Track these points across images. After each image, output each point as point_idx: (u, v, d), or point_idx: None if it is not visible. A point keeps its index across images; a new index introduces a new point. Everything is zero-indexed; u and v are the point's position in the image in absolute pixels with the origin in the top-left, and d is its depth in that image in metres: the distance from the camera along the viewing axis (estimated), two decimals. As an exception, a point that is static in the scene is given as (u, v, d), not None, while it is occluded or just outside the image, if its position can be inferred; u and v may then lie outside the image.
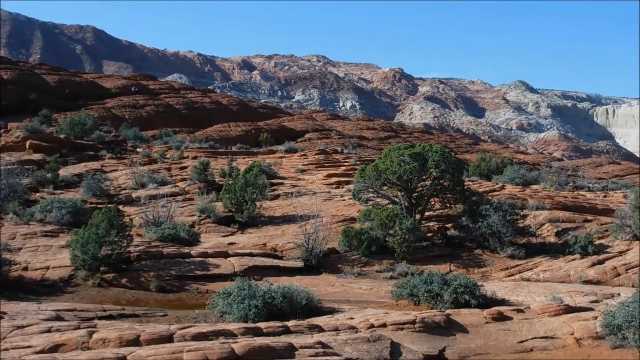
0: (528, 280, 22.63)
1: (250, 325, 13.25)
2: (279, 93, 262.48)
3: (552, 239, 27.80)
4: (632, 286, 20.64)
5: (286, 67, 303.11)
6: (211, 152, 52.46)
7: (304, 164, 47.89)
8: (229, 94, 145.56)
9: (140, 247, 21.79)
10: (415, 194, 28.00)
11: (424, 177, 27.69)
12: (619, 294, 18.68)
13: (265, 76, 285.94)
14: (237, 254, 22.32)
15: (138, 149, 53.11)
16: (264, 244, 25.44)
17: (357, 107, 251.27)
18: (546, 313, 14.83)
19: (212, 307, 15.14)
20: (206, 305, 15.45)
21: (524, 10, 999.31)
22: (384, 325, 13.53)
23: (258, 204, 30.50)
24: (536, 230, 28.40)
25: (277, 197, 34.48)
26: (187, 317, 14.94)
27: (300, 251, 23.40)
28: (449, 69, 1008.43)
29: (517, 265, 24.54)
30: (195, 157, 47.27)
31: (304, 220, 25.62)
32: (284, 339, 12.21)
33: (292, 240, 25.00)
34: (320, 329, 13.18)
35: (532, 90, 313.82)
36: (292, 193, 34.54)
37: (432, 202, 28.70)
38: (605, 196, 41.49)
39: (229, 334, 12.42)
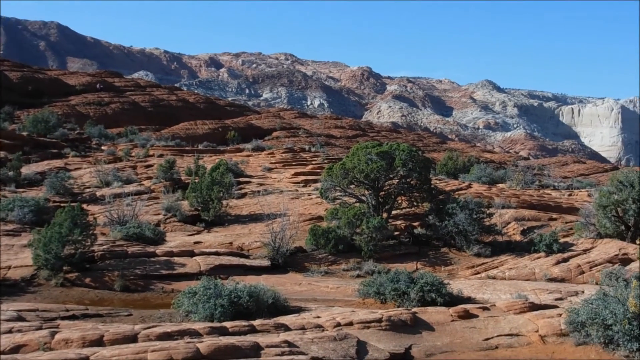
0: (494, 278, 22.82)
1: (216, 324, 13.13)
2: (247, 91, 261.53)
3: (518, 237, 28.08)
4: (596, 284, 20.92)
5: (254, 65, 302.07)
6: (177, 150, 52.11)
7: (271, 163, 47.79)
8: (196, 91, 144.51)
9: (105, 247, 21.50)
10: (383, 192, 28.07)
11: (391, 176, 27.76)
12: (583, 292, 18.89)
13: (232, 74, 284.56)
14: (203, 253, 22.14)
15: (103, 147, 52.56)
16: (231, 243, 25.30)
17: (325, 105, 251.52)
18: (511, 311, 14.94)
19: (178, 306, 14.98)
20: (171, 305, 15.27)
21: (491, 10, 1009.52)
22: (350, 324, 13.51)
23: (225, 202, 30.33)
24: (502, 228, 28.67)
25: (244, 195, 34.32)
26: (152, 317, 14.76)
27: (267, 250, 23.30)
28: (417, 68, 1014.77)
29: (483, 264, 24.73)
30: (161, 155, 46.91)
31: (271, 218, 25.52)
32: (250, 338, 12.12)
33: (259, 239, 24.88)
34: (286, 328, 13.11)
35: (499, 89, 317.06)
36: (259, 192, 34.42)
37: (399, 201, 28.80)
38: (570, 195, 42.10)
39: (195, 334, 12.29)
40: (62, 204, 26.46)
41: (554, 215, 31.29)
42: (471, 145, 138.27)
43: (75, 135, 55.39)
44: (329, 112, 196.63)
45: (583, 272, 22.87)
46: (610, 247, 25.06)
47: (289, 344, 11.98)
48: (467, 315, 14.50)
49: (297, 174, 41.40)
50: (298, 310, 15.45)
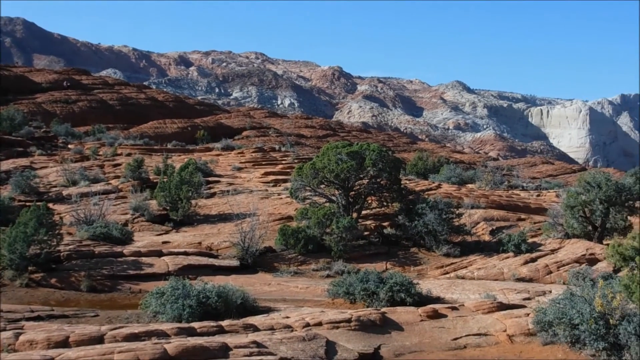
0: (463, 278, 22.96)
1: (184, 325, 13.00)
2: (217, 90, 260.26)
3: (487, 238, 28.30)
4: (563, 283, 21.15)
5: (224, 64, 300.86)
6: (146, 149, 51.67)
7: (241, 162, 47.61)
8: (165, 90, 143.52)
9: (71, 246, 21.22)
10: (353, 192, 28.08)
11: (361, 176, 27.79)
12: (550, 291, 19.09)
13: (202, 72, 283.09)
14: (171, 253, 21.97)
15: (70, 146, 51.94)
16: (199, 243, 25.13)
17: (296, 105, 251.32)
18: (480, 310, 15.03)
19: (145, 307, 14.83)
20: (139, 306, 15.12)
21: (461, 10, 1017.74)
22: (319, 324, 13.47)
23: (193, 202, 30.13)
24: (471, 228, 28.87)
25: (213, 195, 34.13)
26: (119, 318, 14.58)
27: (236, 250, 23.18)
28: (388, 68, 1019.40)
29: (452, 264, 24.87)
30: (129, 154, 46.51)
31: (240, 218, 25.39)
32: (218, 339, 12.01)
33: (228, 239, 24.74)
34: (255, 329, 13.03)
35: (469, 90, 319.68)
36: (228, 191, 34.25)
37: (369, 201, 28.86)
38: (538, 195, 42.59)
39: (162, 335, 12.16)
40: (27, 203, 26.02)
41: (523, 216, 31.61)
42: (441, 145, 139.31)
43: (41, 134, 54.60)
44: (299, 112, 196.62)
45: (551, 272, 23.11)
46: (577, 247, 25.36)
47: (258, 344, 11.91)
48: (436, 315, 14.55)
49: (267, 174, 41.29)
50: (267, 310, 15.39)
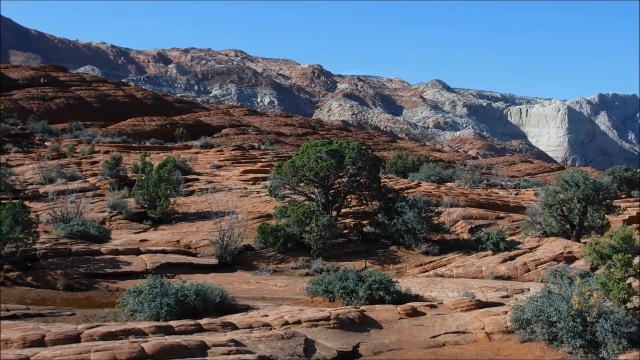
0: (442, 276, 23.03)
1: (161, 323, 12.91)
2: (196, 87, 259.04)
3: (466, 236, 28.42)
4: (542, 281, 21.25)
5: (203, 61, 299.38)
6: (124, 147, 51.34)
7: (220, 160, 47.48)
8: (143, 87, 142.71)
9: (47, 245, 21.00)
10: (332, 190, 28.07)
11: (340, 174, 27.79)
12: (528, 289, 19.20)
13: (181, 70, 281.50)
14: (149, 251, 21.85)
15: (46, 143, 51.52)
16: (178, 241, 24.99)
17: (276, 103, 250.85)
18: (458, 308, 15.08)
19: (122, 305, 14.69)
20: (116, 304, 14.97)
21: (441, 9, 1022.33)
22: (298, 322, 13.44)
23: (172, 200, 29.97)
24: (450, 227, 28.97)
25: (191, 193, 33.99)
26: (95, 317, 14.45)
27: (214, 248, 23.08)
28: (368, 67, 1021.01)
29: (431, 262, 24.94)
30: (107, 152, 46.20)
31: (219, 216, 25.27)
32: (196, 337, 11.93)
33: (207, 237, 24.63)
34: (233, 327, 12.97)
35: (449, 89, 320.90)
36: (207, 189, 34.14)
37: (349, 199, 28.86)
38: (517, 194, 42.86)
39: (140, 333, 12.06)
40: (3, 201, 25.71)
41: (501, 214, 31.77)
42: (421, 144, 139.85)
43: (17, 131, 54.04)
44: (279, 110, 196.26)
45: (529, 270, 23.24)
46: (555, 246, 25.53)
47: (236, 342, 11.85)
48: (414, 313, 14.57)
49: (246, 172, 41.21)
50: (246, 309, 15.32)
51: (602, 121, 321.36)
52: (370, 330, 13.70)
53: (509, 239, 26.93)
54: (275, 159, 47.50)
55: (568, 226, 27.38)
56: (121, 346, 10.93)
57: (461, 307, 15.11)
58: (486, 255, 25.12)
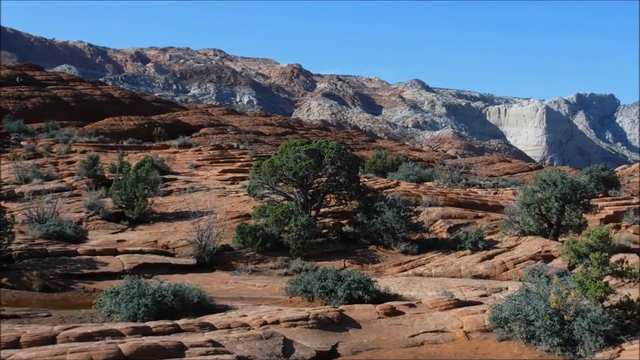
0: (420, 275, 23.08)
1: (139, 324, 12.80)
2: (174, 87, 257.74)
3: (445, 235, 28.52)
4: (520, 280, 21.40)
5: (182, 61, 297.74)
6: (101, 147, 50.96)
7: (198, 160, 47.25)
8: (121, 86, 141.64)
9: (23, 245, 20.79)
10: (311, 190, 28.03)
11: (319, 174, 27.77)
12: (506, 288, 19.30)
13: (159, 69, 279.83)
14: (126, 252, 21.68)
15: (22, 142, 50.96)
16: (156, 241, 24.82)
17: (255, 102, 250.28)
18: (437, 307, 15.11)
19: (99, 306, 14.57)
20: (93, 305, 14.85)
21: (420, 9, 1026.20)
22: (277, 322, 13.39)
23: (150, 200, 29.79)
24: (429, 226, 29.06)
25: (169, 193, 33.79)
26: (72, 318, 14.31)
27: (193, 248, 22.96)
28: (347, 66, 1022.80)
29: (410, 261, 24.98)
30: (84, 152, 45.82)
31: (197, 216, 25.17)
32: (173, 338, 11.85)
33: (185, 237, 24.50)
34: (211, 327, 12.90)
35: (428, 89, 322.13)
36: (185, 189, 33.96)
37: (328, 199, 28.84)
38: (495, 193, 43.13)
39: (117, 334, 11.95)
40: (-23, 201, 25.42)
41: (480, 213, 31.92)
42: (400, 143, 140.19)
43: (-7, 130, 53.39)
44: (258, 109, 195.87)
45: (507, 269, 23.36)
46: (533, 245, 25.70)
47: (214, 343, 11.78)
48: (393, 313, 14.58)
49: (224, 172, 41.04)
50: (224, 309, 15.26)
51: (580, 121, 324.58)
52: (349, 330, 13.69)
53: (487, 238, 27.07)
54: (254, 158, 47.35)
55: (546, 225, 27.58)
56: (98, 347, 10.82)
57: (440, 306, 15.14)
58: (465, 255, 25.21)
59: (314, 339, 12.98)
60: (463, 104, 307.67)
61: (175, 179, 37.88)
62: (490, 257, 24.66)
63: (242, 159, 48.15)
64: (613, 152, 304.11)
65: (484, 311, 14.52)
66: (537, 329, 12.79)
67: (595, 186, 29.60)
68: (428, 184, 43.70)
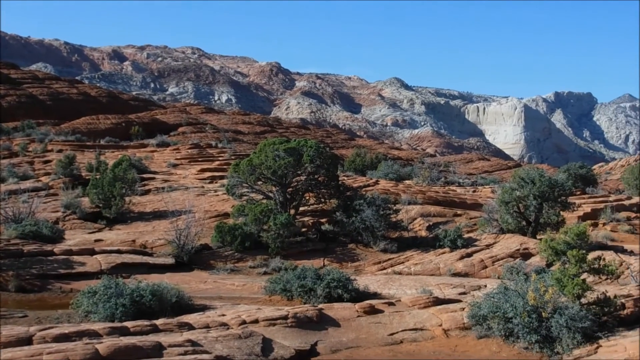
0: (400, 273, 23.11)
1: (116, 324, 12.68)
2: (152, 85, 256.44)
3: (424, 233, 28.60)
4: (498, 277, 21.50)
5: (159, 59, 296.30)
6: (78, 146, 50.60)
7: (176, 159, 47.03)
8: (98, 85, 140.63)
9: (-2, 245, 20.50)
10: (290, 189, 27.98)
11: (299, 172, 27.72)
12: (485, 286, 19.38)
13: (137, 67, 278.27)
14: (104, 251, 21.50)
15: (-2, 141, 50.29)
16: (133, 241, 24.67)
17: (233, 100, 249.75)
18: (416, 305, 15.13)
19: (76, 306, 14.42)
20: (70, 305, 14.70)
21: (399, 7, 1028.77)
22: (256, 322, 13.33)
23: (127, 199, 29.58)
24: (408, 224, 29.12)
25: (147, 192, 33.61)
26: (48, 318, 14.13)
27: (171, 248, 22.83)
28: (326, 64, 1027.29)
29: (389, 259, 25.01)
30: (60, 151, 45.46)
31: (175, 215, 25.03)
32: (152, 338, 11.75)
33: (163, 237, 24.37)
34: (190, 327, 12.81)
35: (407, 87, 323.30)
36: (163, 188, 33.79)
37: (307, 197, 28.81)
38: (474, 191, 43.34)
39: (94, 335, 11.82)
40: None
41: (459, 211, 32.05)
42: (379, 142, 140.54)
43: (-33, 129, 52.77)
44: (236, 108, 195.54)
45: (486, 267, 23.48)
46: (512, 242, 25.85)
47: (193, 343, 11.70)
48: (372, 311, 14.58)
49: (203, 170, 40.89)
50: (203, 308, 15.17)
51: (558, 119, 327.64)
52: (329, 329, 13.67)
53: (466, 236, 27.18)
54: (232, 157, 47.23)
55: (524, 223, 27.75)
56: (74, 348, 10.69)
57: (419, 304, 15.17)
58: (444, 253, 25.30)
59: (293, 338, 12.95)
60: (442, 102, 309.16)
61: (153, 178, 37.67)
62: (469, 255, 24.77)
63: (220, 158, 47.99)
64: (591, 150, 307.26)
65: (463, 309, 14.55)
66: (515, 326, 12.86)
67: (573, 184, 29.86)
68: (407, 182, 43.82)
